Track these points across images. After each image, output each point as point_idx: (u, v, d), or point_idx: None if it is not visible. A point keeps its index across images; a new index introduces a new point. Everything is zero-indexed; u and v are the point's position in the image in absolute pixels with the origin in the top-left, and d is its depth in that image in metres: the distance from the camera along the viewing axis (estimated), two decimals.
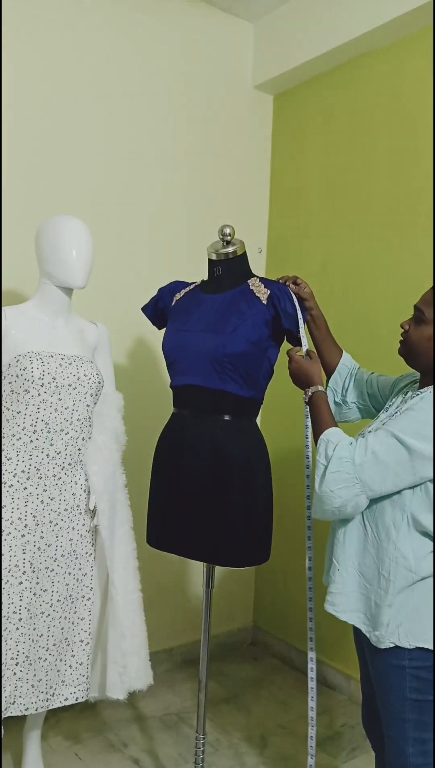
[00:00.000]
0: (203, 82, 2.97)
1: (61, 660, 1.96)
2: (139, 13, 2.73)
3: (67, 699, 1.97)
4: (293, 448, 2.96)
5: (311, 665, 1.78)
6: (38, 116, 2.48)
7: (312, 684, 1.77)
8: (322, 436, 1.55)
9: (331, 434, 1.54)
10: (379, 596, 1.53)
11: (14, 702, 1.87)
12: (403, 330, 1.60)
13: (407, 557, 1.49)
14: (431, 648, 1.50)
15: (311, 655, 1.78)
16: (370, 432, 1.56)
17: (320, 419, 1.61)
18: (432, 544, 1.50)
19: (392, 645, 1.51)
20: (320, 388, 1.66)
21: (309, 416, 1.68)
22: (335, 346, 1.94)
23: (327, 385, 1.91)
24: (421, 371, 1.61)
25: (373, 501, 1.52)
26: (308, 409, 1.68)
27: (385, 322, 2.64)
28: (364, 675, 1.77)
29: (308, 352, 1.77)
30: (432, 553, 1.50)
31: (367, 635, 1.56)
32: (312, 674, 1.78)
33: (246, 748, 2.45)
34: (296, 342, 1.82)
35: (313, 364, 1.72)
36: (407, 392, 1.67)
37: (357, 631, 1.70)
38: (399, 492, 1.49)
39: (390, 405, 1.69)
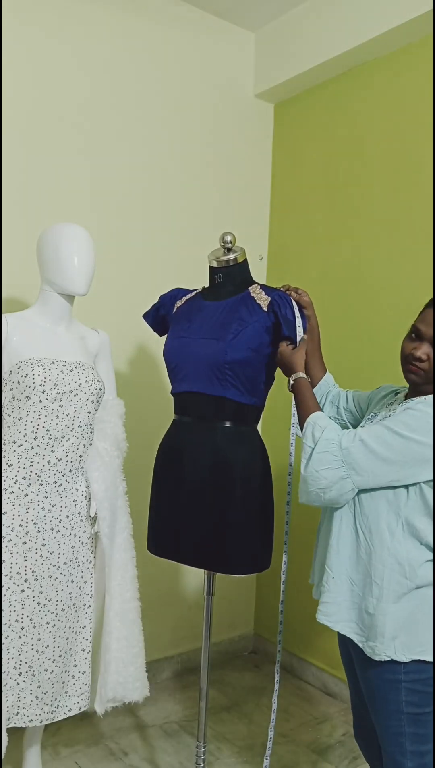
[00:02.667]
0: (204, 91, 2.99)
1: (65, 671, 1.95)
2: (140, 22, 2.75)
3: (71, 710, 1.96)
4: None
5: (278, 654, 1.74)
6: (39, 124, 2.50)
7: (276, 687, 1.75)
8: (308, 420, 1.55)
9: (318, 418, 1.55)
10: (371, 605, 1.50)
11: (17, 713, 1.86)
12: (419, 360, 1.51)
13: (402, 564, 1.47)
14: (429, 660, 1.47)
15: (279, 646, 1.75)
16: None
17: (305, 405, 1.61)
18: (427, 551, 1.48)
19: (387, 658, 1.48)
20: (302, 374, 1.67)
21: (294, 404, 1.69)
22: (321, 362, 1.92)
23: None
24: (428, 392, 1.54)
25: (367, 505, 1.50)
26: (293, 397, 1.69)
27: (386, 329, 2.64)
28: (354, 687, 1.74)
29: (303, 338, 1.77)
30: (430, 562, 1.48)
31: (360, 646, 1.53)
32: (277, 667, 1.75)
33: (247, 756, 2.44)
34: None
35: (296, 352, 1.73)
36: (392, 402, 1.67)
37: (344, 643, 1.68)
38: (395, 495, 1.47)
39: (374, 415, 1.67)
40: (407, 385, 1.69)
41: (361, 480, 1.47)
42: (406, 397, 1.64)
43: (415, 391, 1.59)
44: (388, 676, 1.50)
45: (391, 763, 1.55)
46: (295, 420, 1.77)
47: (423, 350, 1.50)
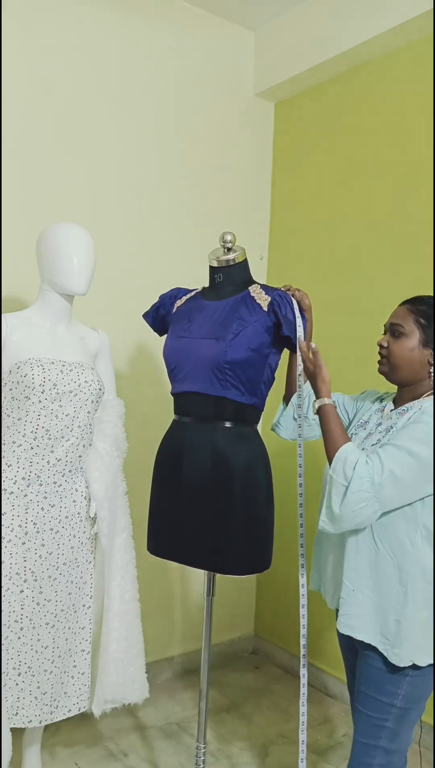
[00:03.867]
0: (204, 90, 2.98)
1: (64, 672, 1.95)
2: (140, 21, 2.75)
3: (70, 710, 1.96)
4: (295, 455, 2.94)
5: (303, 672, 1.74)
6: (38, 123, 2.49)
7: (303, 690, 1.74)
8: (338, 455, 1.51)
9: (349, 452, 1.50)
10: (398, 612, 1.51)
11: (17, 713, 1.85)
12: (381, 348, 1.64)
13: (424, 570, 1.50)
14: None
15: (303, 661, 1.75)
16: (363, 449, 1.60)
17: (331, 436, 1.56)
18: None
19: (410, 663, 1.51)
20: (327, 401, 1.61)
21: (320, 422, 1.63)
22: None
23: (289, 402, 1.92)
24: (403, 385, 1.64)
25: (384, 517, 1.52)
26: (319, 418, 1.63)
27: None
28: (352, 671, 1.77)
29: (313, 354, 1.70)
30: None
31: (385, 654, 1.53)
32: (304, 680, 1.74)
33: (247, 757, 2.43)
34: (294, 349, 1.81)
35: (319, 375, 1.65)
36: (382, 408, 1.71)
37: (346, 637, 1.70)
38: (410, 505, 1.50)
39: (365, 421, 1.72)
40: (390, 391, 1.79)
41: (389, 506, 1.49)
42: (395, 400, 1.69)
43: (399, 388, 1.67)
44: (397, 671, 1.53)
45: (359, 753, 1.56)
46: (300, 420, 1.79)
47: (384, 339, 1.64)
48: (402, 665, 1.50)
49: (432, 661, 1.51)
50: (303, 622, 1.71)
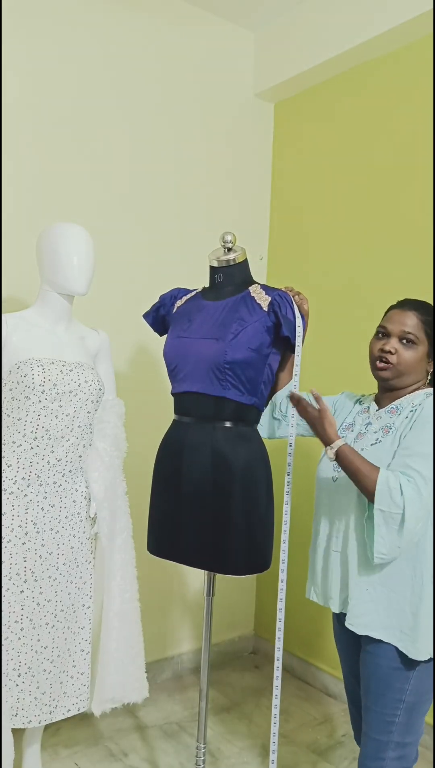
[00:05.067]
0: (204, 90, 2.98)
1: (63, 672, 1.95)
2: (140, 21, 2.75)
3: (69, 710, 1.96)
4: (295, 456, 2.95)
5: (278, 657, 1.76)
6: (38, 124, 2.49)
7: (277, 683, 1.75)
8: (379, 486, 1.48)
9: (389, 479, 1.48)
10: (414, 605, 1.53)
11: (17, 714, 1.85)
12: (389, 354, 1.62)
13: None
14: None
15: (278, 654, 1.77)
16: (363, 450, 1.62)
17: (362, 473, 1.52)
18: None
19: (428, 656, 1.52)
20: (341, 442, 1.58)
21: (341, 467, 1.59)
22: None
23: (270, 401, 1.93)
24: (398, 388, 1.66)
25: None
26: (338, 462, 1.59)
27: None
28: (350, 671, 1.78)
29: (316, 399, 1.67)
30: None
31: (404, 651, 1.54)
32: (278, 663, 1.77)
33: (247, 757, 2.43)
34: (293, 349, 1.82)
35: (325, 419, 1.62)
36: (365, 410, 1.73)
37: (349, 638, 1.71)
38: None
39: (351, 423, 1.74)
40: (368, 393, 1.81)
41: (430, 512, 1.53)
42: (377, 401, 1.71)
43: (384, 390, 1.69)
44: (405, 665, 1.54)
45: (373, 749, 1.59)
46: (292, 439, 1.79)
47: (391, 344, 1.63)
48: (421, 659, 1.52)
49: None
50: (280, 615, 1.74)
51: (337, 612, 1.72)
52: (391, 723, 1.55)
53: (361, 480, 1.52)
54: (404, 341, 1.62)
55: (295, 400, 1.73)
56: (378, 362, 1.65)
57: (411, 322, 1.62)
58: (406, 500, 1.45)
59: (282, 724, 2.66)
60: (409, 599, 1.53)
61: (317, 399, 1.63)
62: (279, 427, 1.92)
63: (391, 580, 1.55)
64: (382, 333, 1.66)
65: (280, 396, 1.91)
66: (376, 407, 1.70)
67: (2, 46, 2.37)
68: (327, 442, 1.59)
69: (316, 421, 1.63)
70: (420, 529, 1.50)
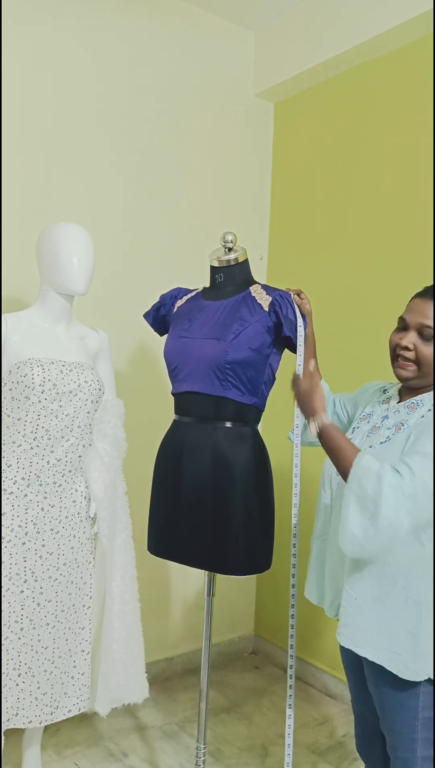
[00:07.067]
0: (204, 90, 2.98)
1: (64, 672, 1.94)
2: (140, 21, 2.75)
3: (70, 711, 1.95)
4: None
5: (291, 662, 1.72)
6: (38, 124, 2.49)
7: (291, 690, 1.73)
8: (355, 468, 1.38)
9: (368, 461, 1.37)
10: (412, 624, 1.40)
11: (17, 714, 1.85)
12: (407, 350, 1.48)
13: None
14: None
15: (291, 661, 1.74)
16: (371, 447, 1.51)
17: (343, 453, 1.43)
18: None
19: (427, 677, 1.41)
20: (326, 420, 1.49)
21: (322, 444, 1.52)
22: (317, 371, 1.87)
23: None
24: (418, 386, 1.53)
25: None
26: (320, 439, 1.51)
27: (387, 329, 2.63)
28: (358, 696, 1.69)
29: (313, 368, 1.62)
30: None
31: (394, 672, 1.42)
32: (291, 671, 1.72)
33: (247, 758, 2.43)
34: (294, 350, 1.81)
35: (315, 392, 1.54)
36: (387, 399, 1.60)
37: (349, 651, 1.60)
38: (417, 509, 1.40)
39: (368, 414, 1.61)
40: (394, 381, 1.66)
41: (422, 519, 1.36)
42: (400, 393, 1.59)
43: (407, 388, 1.56)
44: (411, 688, 1.45)
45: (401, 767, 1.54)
46: (297, 425, 1.74)
47: (408, 339, 1.48)
48: (417, 680, 1.41)
49: None
50: (292, 621, 1.70)
51: (331, 617, 1.66)
52: (413, 740, 1.47)
53: (340, 460, 1.43)
54: (423, 335, 1.46)
55: (293, 381, 1.62)
56: (397, 360, 1.50)
57: (431, 314, 1.45)
58: (384, 488, 1.32)
59: (281, 725, 2.65)
60: (405, 616, 1.40)
61: (312, 374, 1.56)
62: (307, 433, 1.78)
63: (383, 593, 1.43)
64: (402, 325, 1.51)
65: None
66: (397, 399, 1.57)
67: (3, 46, 2.37)
68: (312, 415, 1.50)
69: (305, 395, 1.53)
70: (405, 531, 1.35)
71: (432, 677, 1.42)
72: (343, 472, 1.42)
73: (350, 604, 1.47)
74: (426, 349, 1.46)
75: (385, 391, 1.67)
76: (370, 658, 1.45)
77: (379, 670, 1.47)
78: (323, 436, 1.48)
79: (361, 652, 1.47)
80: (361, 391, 1.78)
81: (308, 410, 1.53)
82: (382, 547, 1.38)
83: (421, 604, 1.40)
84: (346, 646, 1.49)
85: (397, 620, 1.42)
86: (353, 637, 1.47)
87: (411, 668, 1.41)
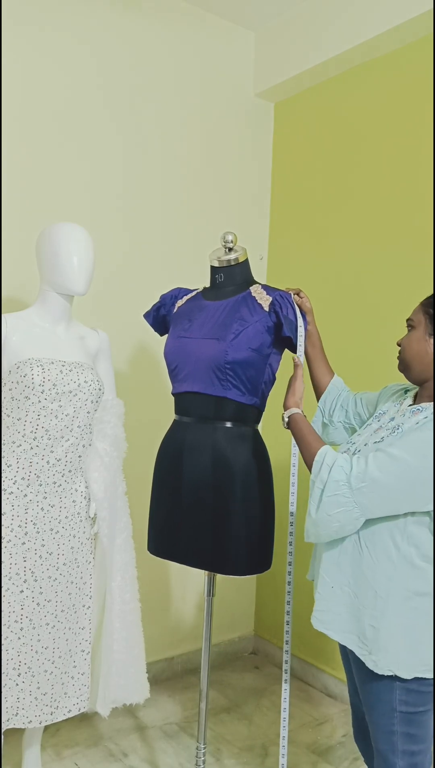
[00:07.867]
0: (204, 90, 2.98)
1: (65, 672, 1.94)
2: (140, 21, 2.75)
3: (70, 711, 1.95)
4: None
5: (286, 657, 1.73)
6: (38, 124, 2.49)
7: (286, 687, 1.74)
8: (316, 458, 1.49)
9: (326, 455, 1.47)
10: (375, 618, 1.46)
11: (17, 714, 1.85)
12: (398, 346, 1.59)
13: (406, 578, 1.44)
14: (429, 677, 1.45)
15: (286, 656, 1.75)
16: (366, 445, 1.53)
17: (305, 441, 1.55)
18: (429, 564, 1.44)
19: (390, 673, 1.45)
20: (295, 410, 1.61)
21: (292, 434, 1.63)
22: (327, 366, 1.92)
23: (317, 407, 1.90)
24: (420, 383, 1.56)
25: (370, 522, 1.46)
26: (290, 429, 1.63)
27: (387, 328, 2.63)
28: (353, 688, 1.72)
29: (295, 366, 1.71)
30: (430, 574, 1.44)
31: (362, 659, 1.49)
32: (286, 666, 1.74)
33: (247, 758, 2.43)
34: (294, 350, 1.81)
35: (293, 384, 1.68)
36: (402, 401, 1.62)
37: (343, 646, 1.64)
38: (403, 518, 1.44)
39: (382, 413, 1.64)
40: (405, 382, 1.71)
41: (373, 515, 1.43)
42: (416, 396, 1.61)
43: (421, 393, 1.58)
44: (385, 681, 1.48)
45: (382, 762, 1.54)
46: (295, 448, 1.74)
47: (401, 339, 1.59)
48: (380, 673, 1.45)
49: (417, 675, 1.44)
50: (287, 618, 1.72)
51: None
52: (391, 733, 1.49)
53: (303, 450, 1.54)
54: (408, 330, 1.57)
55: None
56: None
57: (414, 309, 1.57)
58: (329, 480, 1.42)
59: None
60: (370, 610, 1.46)
61: (296, 366, 1.66)
62: (331, 431, 1.86)
63: (357, 586, 1.49)
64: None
65: (322, 400, 1.87)
66: (410, 402, 1.60)
67: (3, 46, 2.37)
68: (284, 407, 1.62)
69: (288, 388, 1.67)
70: (345, 520, 1.41)
71: (398, 674, 1.45)
72: (307, 463, 1.53)
73: (326, 590, 1.54)
74: (404, 340, 1.57)
75: (406, 391, 1.69)
76: (341, 642, 1.52)
77: (359, 662, 1.52)
78: (291, 426, 1.60)
79: (331, 635, 1.53)
80: (384, 390, 1.79)
81: (285, 400, 1.67)
82: (328, 536, 1.48)
83: (387, 605, 1.45)
84: (318, 629, 1.55)
85: (365, 612, 1.48)
86: (324, 620, 1.55)
87: (373, 660, 1.46)
